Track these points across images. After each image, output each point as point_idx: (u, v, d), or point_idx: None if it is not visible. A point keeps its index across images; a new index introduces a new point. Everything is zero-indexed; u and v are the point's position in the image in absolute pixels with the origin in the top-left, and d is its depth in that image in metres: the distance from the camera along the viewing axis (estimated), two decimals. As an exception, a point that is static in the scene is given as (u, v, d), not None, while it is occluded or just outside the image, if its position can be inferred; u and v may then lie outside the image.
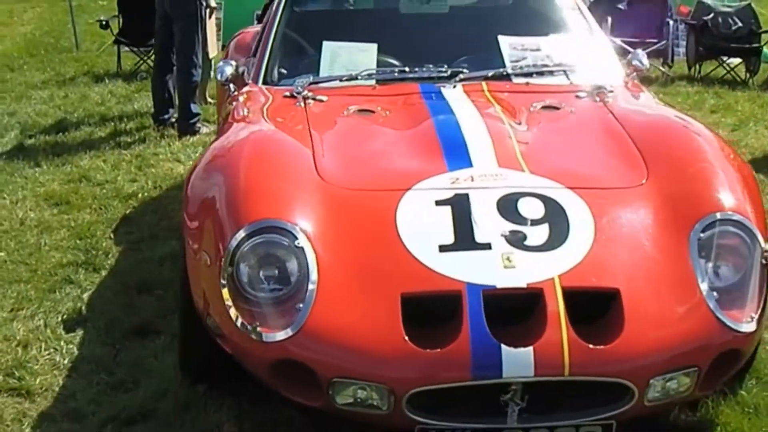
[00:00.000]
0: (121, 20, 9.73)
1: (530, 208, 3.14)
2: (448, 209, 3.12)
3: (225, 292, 2.99)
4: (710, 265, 3.07)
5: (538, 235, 3.05)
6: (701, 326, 2.96)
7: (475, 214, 3.10)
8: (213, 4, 7.56)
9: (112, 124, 7.61)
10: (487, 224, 3.07)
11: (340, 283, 2.95)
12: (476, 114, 3.75)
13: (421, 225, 3.09)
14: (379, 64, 4.29)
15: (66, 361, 3.80)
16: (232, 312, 2.97)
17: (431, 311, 2.92)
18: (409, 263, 2.97)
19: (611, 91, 4.07)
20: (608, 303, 2.95)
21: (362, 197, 3.22)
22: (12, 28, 13.80)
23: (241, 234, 3.01)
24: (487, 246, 3.00)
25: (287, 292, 2.95)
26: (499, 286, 2.90)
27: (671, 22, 9.61)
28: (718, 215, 3.15)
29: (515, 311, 2.91)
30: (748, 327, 3.00)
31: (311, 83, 4.15)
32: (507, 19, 4.73)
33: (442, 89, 4.02)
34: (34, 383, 3.62)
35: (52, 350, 3.87)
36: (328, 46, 4.38)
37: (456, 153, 3.43)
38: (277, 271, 2.98)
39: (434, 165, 3.37)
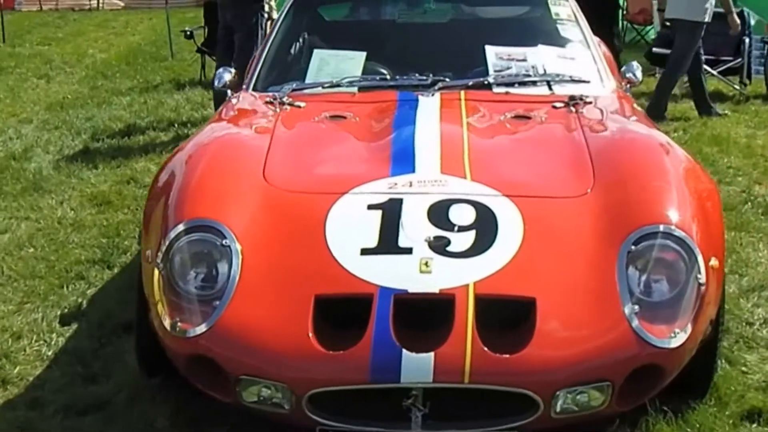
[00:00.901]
0: (206, 30, 10.05)
1: (461, 215, 3.17)
2: (378, 213, 3.17)
3: (156, 285, 3.11)
4: (642, 277, 3.03)
5: (462, 241, 3.07)
6: (615, 339, 2.92)
7: (404, 219, 3.15)
8: (275, 15, 7.75)
9: (177, 129, 7.89)
10: (413, 229, 3.11)
11: (260, 283, 3.03)
12: (437, 122, 3.80)
13: (348, 228, 3.15)
14: (369, 72, 4.38)
15: (50, 353, 3.97)
16: (160, 306, 3.09)
17: (346, 314, 2.97)
18: (327, 265, 3.03)
19: (589, 103, 4.07)
20: (527, 312, 2.94)
21: (298, 199, 3.30)
22: (122, 38, 14.45)
23: (179, 228, 3.14)
24: (408, 251, 3.04)
25: (211, 289, 3.05)
26: (411, 290, 2.93)
27: (747, 40, 9.28)
28: (660, 228, 3.11)
29: (428, 317, 2.93)
30: (672, 342, 2.94)
31: (294, 90, 4.27)
32: (502, 30, 4.78)
33: (420, 97, 4.08)
34: (12, 373, 3.79)
35: (42, 342, 4.05)
36: (317, 54, 4.52)
37: (402, 159, 3.49)
38: (205, 269, 3.09)
39: (378, 170, 3.43)
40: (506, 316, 2.95)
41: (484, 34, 4.59)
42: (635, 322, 2.92)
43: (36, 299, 4.48)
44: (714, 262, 3.16)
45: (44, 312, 4.33)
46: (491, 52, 4.37)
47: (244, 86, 4.49)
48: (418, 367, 2.80)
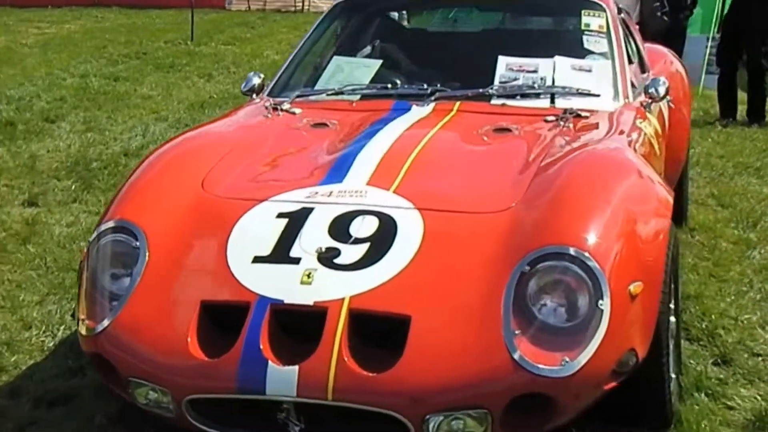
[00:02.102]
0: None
1: (362, 227, 3.10)
2: (284, 222, 3.15)
3: (81, 283, 3.22)
4: (534, 300, 2.87)
5: (352, 253, 3.01)
6: (492, 365, 2.77)
7: (305, 229, 3.11)
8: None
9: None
10: (309, 239, 3.07)
11: (158, 286, 3.07)
12: (398, 133, 3.72)
13: (251, 235, 3.14)
14: (380, 80, 4.33)
15: (52, 345, 4.17)
16: (80, 304, 3.19)
17: (231, 321, 2.95)
18: (218, 271, 3.04)
19: (585, 117, 3.90)
20: (403, 331, 2.84)
21: (220, 206, 3.31)
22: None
23: (106, 226, 3.24)
24: (296, 261, 3.00)
25: (117, 290, 3.12)
26: (287, 301, 2.90)
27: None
28: (557, 248, 2.92)
29: (304, 329, 2.88)
30: (560, 372, 2.75)
31: (298, 96, 4.30)
32: (525, 40, 4.66)
33: (414, 107, 4.02)
34: (9, 361, 3.99)
35: (48, 334, 4.25)
36: (335, 61, 4.53)
37: (338, 169, 3.44)
38: (117, 269, 3.16)
39: (310, 179, 3.41)
40: (383, 334, 2.85)
41: (507, 45, 4.47)
42: (517, 348, 2.75)
43: (60, 291, 4.69)
44: (635, 286, 2.93)
45: (60, 304, 4.53)
46: (503, 62, 4.25)
47: (264, 91, 4.54)
48: (282, 380, 2.77)
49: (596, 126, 3.90)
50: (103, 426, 3.46)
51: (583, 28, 4.50)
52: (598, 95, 4.13)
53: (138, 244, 3.15)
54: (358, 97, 4.22)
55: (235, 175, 3.50)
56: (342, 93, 4.25)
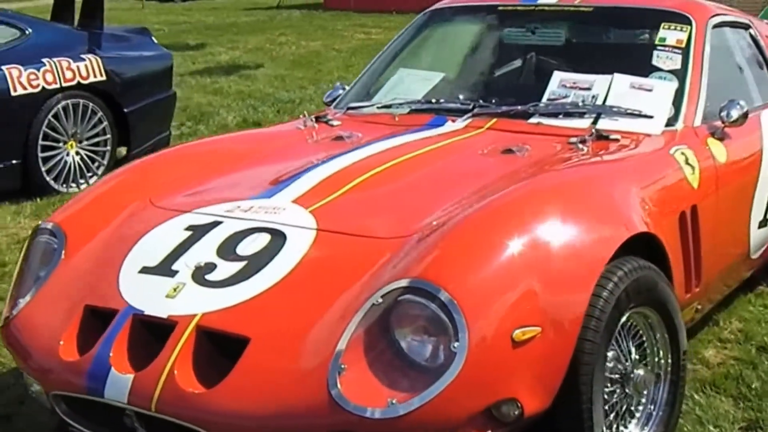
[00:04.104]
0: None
1: (252, 244, 3.04)
2: (187, 234, 3.16)
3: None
4: (383, 336, 2.65)
5: (226, 271, 2.96)
6: (308, 399, 2.60)
7: (199, 243, 3.10)
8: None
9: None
10: (196, 253, 3.05)
11: (61, 286, 3.18)
12: (375, 149, 3.62)
13: (153, 245, 3.16)
14: (439, 93, 4.20)
15: None
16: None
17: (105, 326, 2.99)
18: (108, 278, 3.10)
19: (615, 140, 3.59)
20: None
21: (146, 215, 3.36)
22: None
23: (46, 225, 3.42)
24: (173, 274, 3.00)
25: (32, 287, 3.27)
26: (146, 312, 2.91)
27: None
28: (411, 283, 2.66)
29: (159, 341, 2.88)
30: (381, 413, 2.53)
31: (349, 108, 4.26)
32: (595, 56, 4.28)
33: (449, 122, 3.90)
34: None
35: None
36: (401, 72, 4.44)
37: (280, 184, 3.40)
38: (38, 267, 3.32)
39: (249, 193, 3.38)
40: (227, 354, 2.78)
41: (572, 59, 4.21)
42: (338, 384, 2.56)
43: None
44: (523, 332, 2.62)
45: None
46: (557, 78, 3.96)
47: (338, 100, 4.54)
48: (117, 386, 2.80)
49: (616, 150, 3.53)
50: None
51: (657, 42, 4.05)
52: (651, 117, 3.72)
53: (57, 245, 3.30)
54: (407, 110, 4.10)
55: (191, 187, 3.54)
56: (390, 106, 4.15)
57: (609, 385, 2.99)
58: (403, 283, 2.66)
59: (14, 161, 6.61)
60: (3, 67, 6.52)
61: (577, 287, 2.80)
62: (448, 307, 2.59)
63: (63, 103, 6.84)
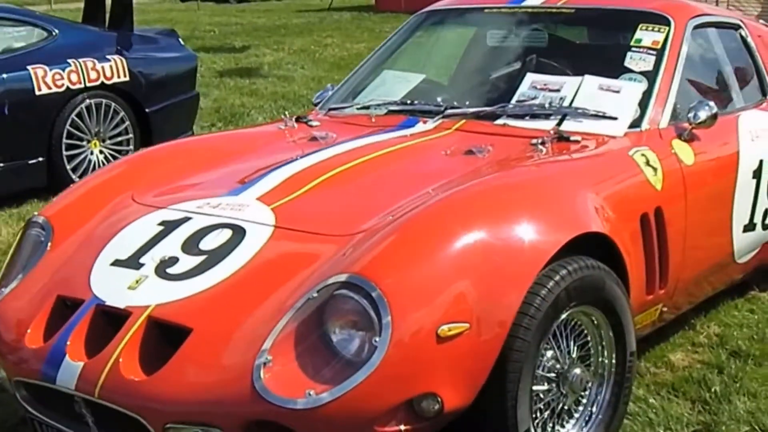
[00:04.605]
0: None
1: (214, 240, 3.16)
2: (159, 229, 3.30)
3: None
4: (314, 329, 2.76)
5: (186, 264, 3.09)
6: (232, 388, 2.72)
7: (168, 237, 3.23)
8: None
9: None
10: (163, 248, 3.19)
11: (41, 276, 3.34)
12: (342, 149, 3.72)
13: (128, 240, 3.31)
14: (416, 95, 4.30)
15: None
16: None
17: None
18: (81, 270, 3.25)
19: (577, 142, 3.65)
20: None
21: (127, 210, 3.52)
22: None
23: (37, 219, 3.59)
24: (139, 266, 3.15)
25: (17, 276, 3.43)
26: (107, 303, 3.06)
27: None
28: (348, 278, 2.77)
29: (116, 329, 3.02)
30: (298, 404, 2.64)
31: (331, 109, 4.38)
32: (568, 57, 4.35)
33: (420, 123, 3.98)
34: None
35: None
36: (384, 74, 4.54)
37: (249, 182, 3.51)
38: (25, 258, 3.49)
39: (219, 190, 3.51)
40: (175, 344, 2.90)
41: (548, 61, 4.28)
42: (261, 375, 2.68)
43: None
44: (449, 328, 2.70)
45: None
46: (528, 80, 4.04)
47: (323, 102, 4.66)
48: (68, 373, 2.93)
49: (573, 152, 3.60)
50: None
51: (633, 43, 4.08)
52: (615, 118, 3.78)
53: (44, 237, 3.47)
54: (384, 111, 4.20)
55: (170, 183, 3.69)
56: (368, 107, 4.26)
57: (544, 383, 3.06)
58: (342, 278, 2.77)
59: (40, 159, 6.83)
60: (29, 67, 6.76)
61: (512, 286, 2.87)
62: (376, 302, 2.69)
63: (86, 102, 7.06)
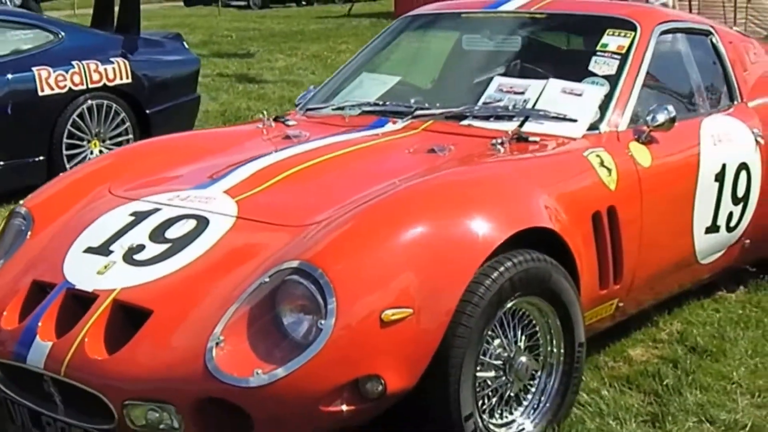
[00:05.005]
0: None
1: (179, 229, 3.34)
2: (130, 219, 3.48)
3: None
4: (265, 312, 2.93)
5: (151, 252, 3.27)
6: (185, 367, 2.89)
7: (138, 227, 3.41)
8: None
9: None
10: (132, 236, 3.37)
11: (18, 265, 3.53)
12: (310, 147, 3.91)
13: (102, 228, 3.49)
14: (391, 96, 4.46)
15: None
16: None
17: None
18: (57, 256, 3.43)
19: (535, 142, 3.83)
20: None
21: (103, 201, 3.70)
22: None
23: (19, 210, 3.80)
24: (109, 253, 3.33)
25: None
26: (77, 286, 3.24)
27: None
28: (296, 264, 2.95)
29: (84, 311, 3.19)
30: (246, 382, 2.81)
31: (308, 109, 4.55)
32: (538, 61, 4.50)
33: (390, 123, 4.15)
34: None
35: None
36: (362, 76, 4.70)
37: (218, 177, 3.69)
38: (7, 246, 3.69)
39: (190, 184, 3.69)
40: (137, 325, 3.07)
41: (527, 65, 4.45)
42: (213, 354, 2.84)
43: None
44: (393, 313, 2.88)
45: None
46: (495, 83, 4.21)
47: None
48: (38, 352, 3.11)
49: (529, 151, 3.76)
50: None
51: (599, 48, 4.23)
52: (575, 120, 3.92)
53: (23, 226, 3.67)
54: (358, 112, 4.37)
55: (146, 177, 3.87)
56: (343, 108, 4.42)
57: (491, 370, 3.21)
58: (294, 264, 2.95)
59: (40, 157, 7.04)
60: (33, 68, 6.98)
61: (455, 275, 3.03)
62: (323, 288, 2.86)
63: (88, 103, 7.25)
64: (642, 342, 4.29)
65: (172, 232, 3.33)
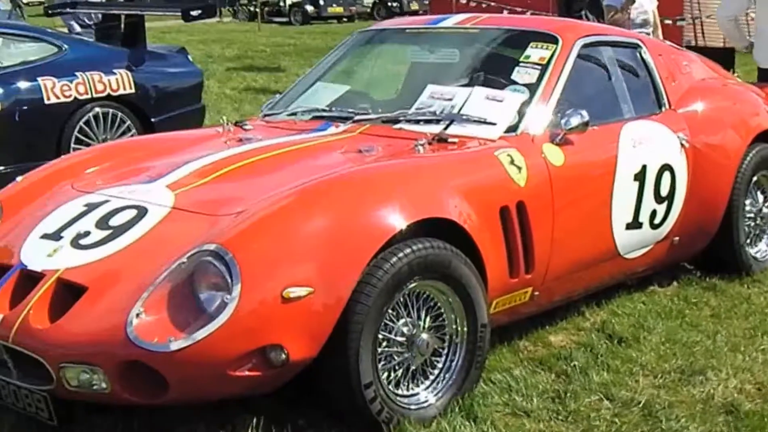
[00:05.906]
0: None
1: (121, 218, 3.77)
2: (83, 209, 3.91)
3: None
4: (183, 288, 3.34)
5: (95, 237, 3.70)
6: (109, 333, 3.30)
7: (87, 216, 3.85)
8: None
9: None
10: (81, 224, 3.81)
11: None
12: (252, 146, 4.33)
13: (60, 217, 3.91)
14: (338, 104, 4.90)
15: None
16: None
17: None
18: (16, 242, 3.87)
19: (453, 143, 4.21)
20: None
21: (63, 194, 4.14)
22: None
23: None
24: (60, 239, 3.76)
25: None
26: (29, 267, 3.68)
27: None
28: (208, 247, 3.36)
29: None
30: (159, 347, 3.21)
31: (266, 115, 4.99)
32: (469, 71, 4.90)
33: (332, 127, 4.56)
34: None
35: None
36: (318, 85, 5.12)
37: (166, 173, 4.11)
38: None
39: (140, 179, 4.12)
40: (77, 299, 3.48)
41: (450, 75, 4.87)
42: (133, 323, 3.24)
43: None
44: (294, 291, 3.27)
45: None
46: (428, 91, 4.59)
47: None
48: None
49: (444, 151, 4.13)
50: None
51: (522, 59, 4.61)
52: (494, 124, 4.29)
53: None
54: (309, 117, 4.79)
55: (106, 174, 4.31)
56: (296, 114, 4.85)
57: (396, 346, 3.60)
58: (211, 247, 3.36)
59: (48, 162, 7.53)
60: (39, 79, 7.52)
61: (354, 259, 3.42)
62: (230, 267, 3.27)
63: (95, 111, 7.78)
64: (565, 329, 4.62)
65: (115, 220, 3.75)
